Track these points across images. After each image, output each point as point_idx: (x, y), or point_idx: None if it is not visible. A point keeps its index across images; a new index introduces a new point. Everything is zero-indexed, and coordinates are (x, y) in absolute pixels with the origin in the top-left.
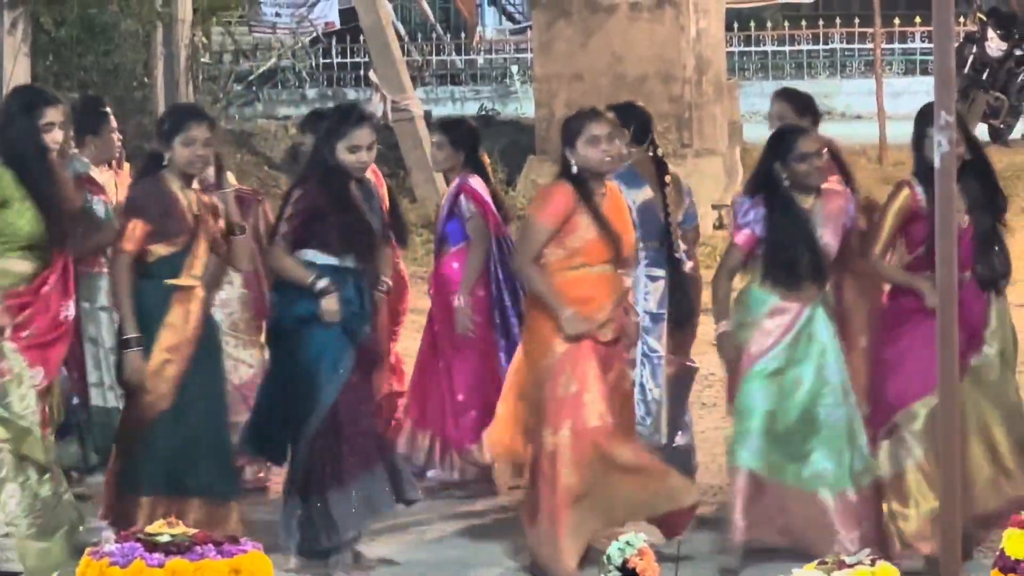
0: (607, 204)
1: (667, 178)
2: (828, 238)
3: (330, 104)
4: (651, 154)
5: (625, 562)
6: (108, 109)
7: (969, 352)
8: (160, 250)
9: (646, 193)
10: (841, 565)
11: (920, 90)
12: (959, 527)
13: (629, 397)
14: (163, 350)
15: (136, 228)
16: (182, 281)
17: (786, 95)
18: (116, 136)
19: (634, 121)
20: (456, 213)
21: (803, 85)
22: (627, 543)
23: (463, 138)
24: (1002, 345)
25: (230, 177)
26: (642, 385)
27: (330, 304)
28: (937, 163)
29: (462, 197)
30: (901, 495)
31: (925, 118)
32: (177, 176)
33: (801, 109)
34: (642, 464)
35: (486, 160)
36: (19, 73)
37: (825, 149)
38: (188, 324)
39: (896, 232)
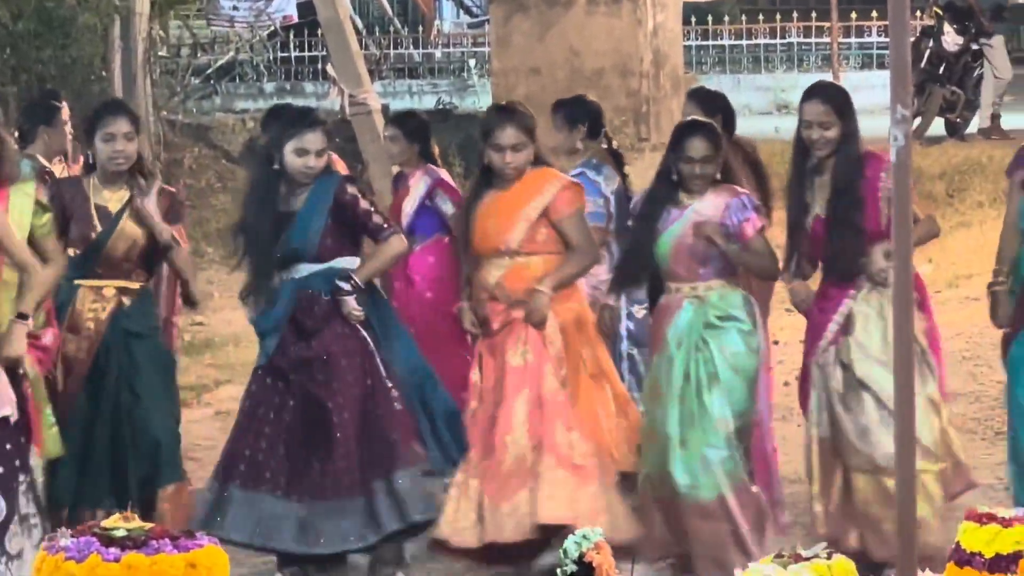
0: (499, 200)
1: (625, 169)
2: (690, 238)
3: (288, 98)
4: (606, 147)
5: (582, 556)
6: (63, 103)
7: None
8: (72, 248)
9: (616, 182)
10: (797, 558)
11: (877, 84)
12: (914, 524)
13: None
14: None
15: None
16: (86, 282)
17: (695, 96)
18: (69, 129)
19: (587, 116)
20: (428, 207)
21: (760, 79)
22: (584, 536)
23: (417, 131)
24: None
25: (154, 185)
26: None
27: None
28: (893, 157)
29: (439, 191)
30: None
31: None
32: (101, 175)
33: (711, 110)
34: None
35: (436, 152)
36: None
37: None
38: (91, 325)
39: None
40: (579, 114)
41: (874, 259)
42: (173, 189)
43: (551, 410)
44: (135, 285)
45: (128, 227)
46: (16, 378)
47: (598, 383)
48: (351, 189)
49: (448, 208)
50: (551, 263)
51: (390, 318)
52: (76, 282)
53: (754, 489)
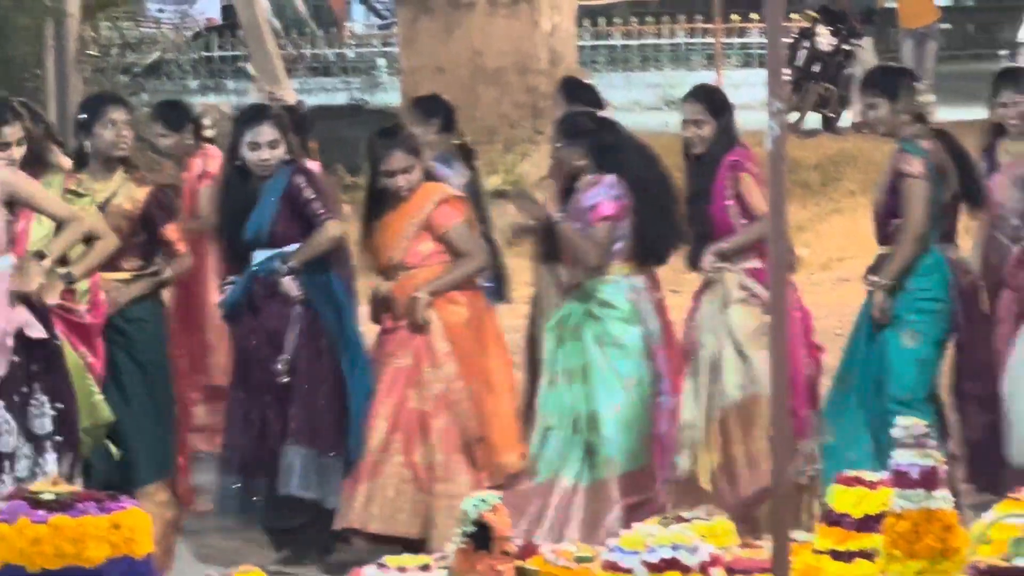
0: (389, 218)
1: (475, 163)
2: None
3: (211, 96)
4: (457, 142)
5: (480, 517)
6: None
7: None
8: None
9: (466, 176)
10: (680, 519)
11: (756, 81)
12: (788, 496)
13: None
14: None
15: None
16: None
17: (562, 86)
18: None
19: (439, 112)
20: None
21: (649, 76)
22: (482, 500)
23: (299, 125)
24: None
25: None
26: None
27: None
28: (770, 146)
29: None
30: None
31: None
32: (93, 167)
33: (572, 100)
34: None
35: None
36: None
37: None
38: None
39: None
40: (432, 110)
41: (704, 257)
42: (161, 182)
43: (424, 418)
44: (125, 275)
45: (111, 217)
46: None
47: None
48: (298, 179)
49: None
50: (438, 275)
51: (337, 300)
52: None
53: (642, 471)
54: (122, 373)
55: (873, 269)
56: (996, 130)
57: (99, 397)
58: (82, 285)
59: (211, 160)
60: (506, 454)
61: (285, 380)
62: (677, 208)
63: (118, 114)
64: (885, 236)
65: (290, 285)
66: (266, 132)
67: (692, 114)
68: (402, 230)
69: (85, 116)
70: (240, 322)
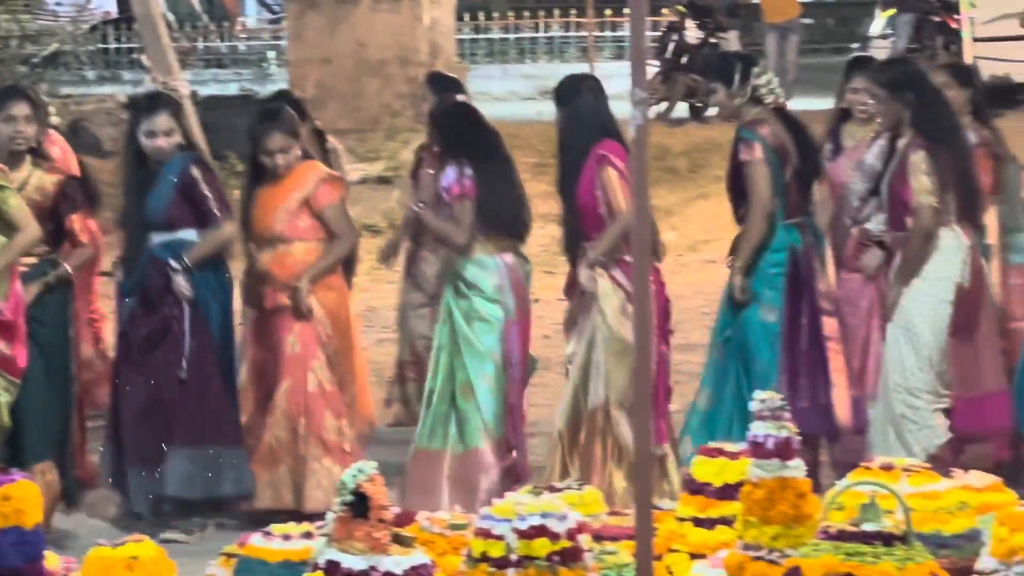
0: (268, 193)
1: (327, 146)
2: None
3: (107, 86)
4: (311, 128)
5: (357, 487)
6: None
7: None
8: None
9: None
10: (552, 489)
11: (628, 73)
12: (650, 466)
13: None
14: None
15: None
16: None
17: (429, 79)
18: None
19: (292, 104)
20: None
21: (526, 68)
22: (359, 470)
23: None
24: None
25: None
26: None
27: None
28: (633, 132)
29: None
30: None
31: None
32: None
33: (440, 91)
34: None
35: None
36: None
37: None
38: None
39: None
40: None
41: (580, 272)
42: (68, 176)
43: (320, 399)
44: (32, 259)
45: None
46: None
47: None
48: (194, 171)
49: None
50: (312, 250)
51: (224, 297)
52: None
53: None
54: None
55: (732, 250)
56: (843, 115)
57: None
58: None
59: (54, 147)
60: (367, 411)
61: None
62: (517, 189)
63: (18, 109)
64: (740, 218)
65: (182, 284)
66: (162, 122)
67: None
68: (284, 203)
69: None
70: (132, 307)
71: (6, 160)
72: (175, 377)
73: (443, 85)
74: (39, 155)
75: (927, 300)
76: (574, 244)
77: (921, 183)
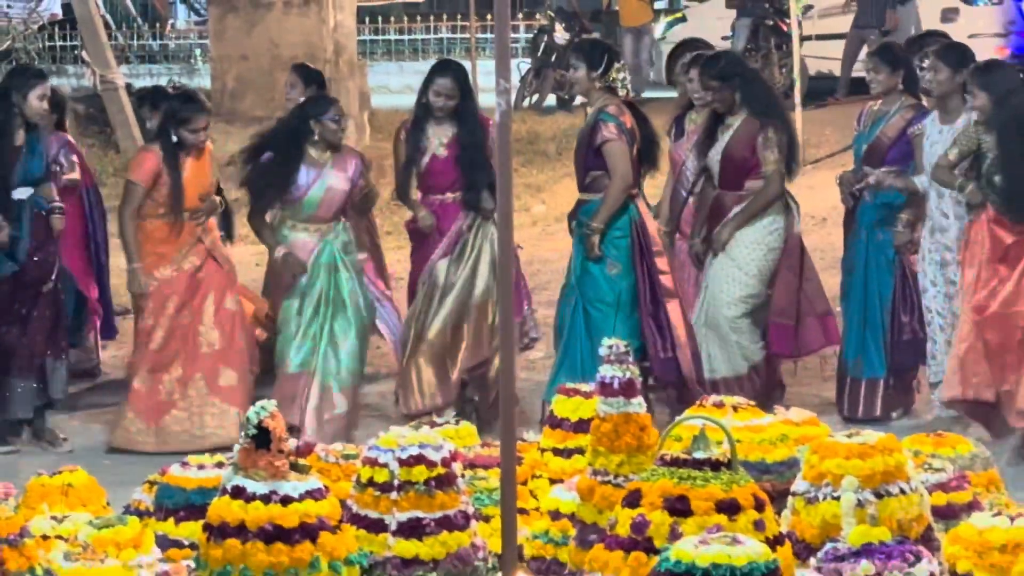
0: (194, 164)
1: None
2: None
3: (53, 79)
4: None
5: (260, 422)
6: None
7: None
8: None
9: None
10: (432, 424)
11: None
12: (514, 402)
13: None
14: None
15: None
16: None
17: (295, 69)
18: None
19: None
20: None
21: (418, 65)
22: (262, 407)
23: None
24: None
25: None
26: None
27: None
28: (497, 118)
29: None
30: None
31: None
32: None
33: (307, 81)
34: None
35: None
36: None
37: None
38: None
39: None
40: (143, 99)
41: None
42: None
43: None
44: None
45: None
46: None
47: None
48: None
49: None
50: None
51: None
52: None
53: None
54: None
55: (572, 213)
56: (688, 104)
57: None
58: None
59: None
60: None
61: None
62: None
63: (43, 87)
64: (584, 188)
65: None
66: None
67: (445, 88)
68: (210, 173)
69: None
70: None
71: None
72: None
73: (309, 75)
74: None
75: (757, 244)
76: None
77: (771, 155)
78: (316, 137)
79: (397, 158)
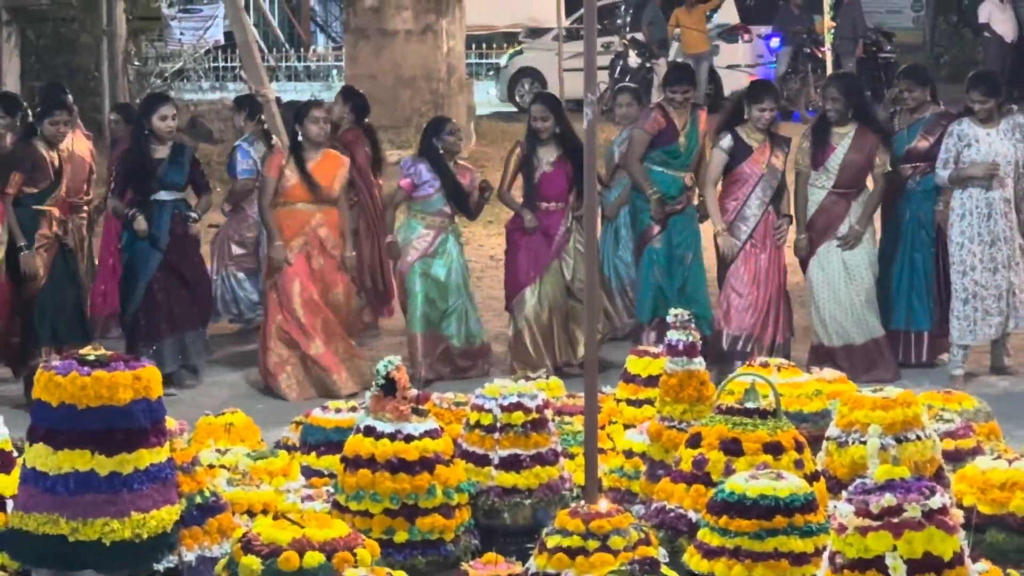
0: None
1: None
2: None
3: (219, 93)
4: (262, 127)
5: (388, 373)
6: (68, 94)
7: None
8: (30, 189)
9: (263, 151)
10: (527, 378)
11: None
12: (596, 360)
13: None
14: (37, 250)
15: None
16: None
17: (343, 92)
18: (75, 110)
19: (246, 105)
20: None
21: None
22: (390, 361)
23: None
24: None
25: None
26: None
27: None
28: (585, 126)
29: None
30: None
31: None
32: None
33: (347, 100)
34: None
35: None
36: (12, 68)
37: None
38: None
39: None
40: (241, 104)
41: None
42: None
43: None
44: None
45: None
46: None
47: None
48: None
49: None
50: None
51: None
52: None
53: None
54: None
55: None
56: (731, 121)
57: None
58: None
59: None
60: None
61: None
62: None
63: (61, 116)
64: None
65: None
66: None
67: (539, 112)
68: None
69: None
70: None
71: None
72: None
73: (354, 97)
74: None
75: (872, 235)
76: None
77: (885, 158)
78: (442, 150)
79: (507, 168)
